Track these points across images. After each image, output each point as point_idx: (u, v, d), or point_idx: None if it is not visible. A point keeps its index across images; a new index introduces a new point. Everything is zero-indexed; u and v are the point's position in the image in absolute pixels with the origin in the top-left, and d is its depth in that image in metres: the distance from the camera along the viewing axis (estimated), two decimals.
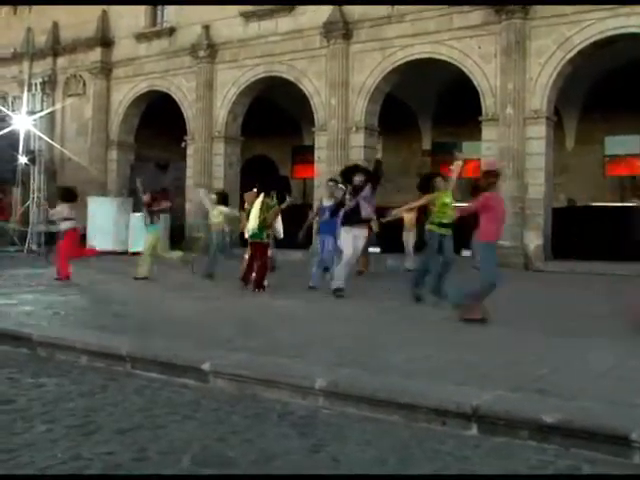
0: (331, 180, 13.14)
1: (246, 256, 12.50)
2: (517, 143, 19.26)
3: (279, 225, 12.94)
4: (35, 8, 28.41)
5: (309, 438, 4.16)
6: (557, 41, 18.86)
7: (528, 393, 4.71)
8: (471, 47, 20.09)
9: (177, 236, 24.96)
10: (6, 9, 29.42)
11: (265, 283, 11.85)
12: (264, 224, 11.77)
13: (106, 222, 24.40)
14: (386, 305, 9.75)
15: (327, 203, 12.40)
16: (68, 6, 26.55)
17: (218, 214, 13.81)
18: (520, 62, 19.22)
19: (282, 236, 13.20)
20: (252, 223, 11.88)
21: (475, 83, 20.10)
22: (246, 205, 13.28)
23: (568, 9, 18.37)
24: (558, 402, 4.48)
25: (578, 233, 19.45)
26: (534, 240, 19.48)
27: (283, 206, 12.40)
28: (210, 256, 13.98)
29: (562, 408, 4.30)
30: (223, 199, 14.34)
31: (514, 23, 19.23)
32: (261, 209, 11.78)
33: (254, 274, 11.88)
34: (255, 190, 12.71)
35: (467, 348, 6.45)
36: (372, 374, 5.20)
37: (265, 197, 11.96)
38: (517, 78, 19.22)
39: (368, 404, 4.69)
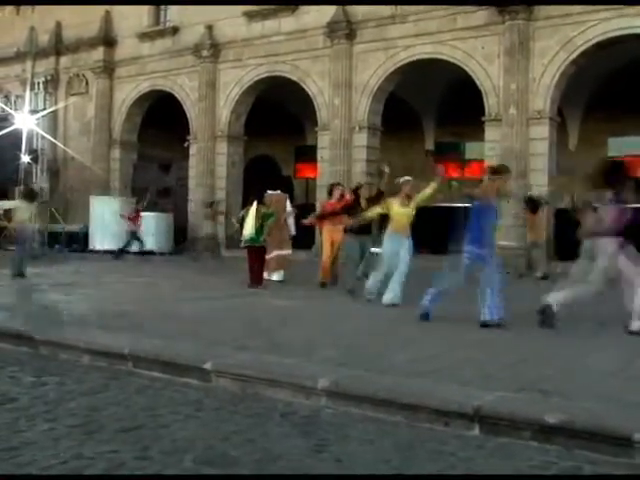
0: (501, 170, 8.40)
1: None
2: (520, 144, 19.23)
3: (291, 223, 14.07)
4: (38, 8, 28.41)
5: (312, 438, 4.13)
6: (560, 42, 18.81)
7: (531, 393, 4.69)
8: (474, 47, 20.04)
9: (180, 236, 24.95)
10: (9, 8, 29.41)
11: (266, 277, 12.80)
12: (261, 230, 12.40)
13: (108, 222, 24.34)
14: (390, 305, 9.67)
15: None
16: (71, 6, 26.54)
17: (23, 210, 13.81)
18: (523, 62, 19.19)
19: (294, 233, 14.11)
20: (249, 230, 12.43)
21: (478, 83, 20.06)
22: (241, 212, 13.77)
23: (573, 9, 18.31)
24: (561, 402, 4.46)
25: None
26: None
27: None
28: (17, 255, 13.66)
29: (565, 409, 4.28)
30: (28, 195, 14.28)
31: (517, 24, 19.19)
32: (256, 216, 12.40)
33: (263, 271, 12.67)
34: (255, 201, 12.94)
35: (471, 348, 6.42)
36: (375, 374, 5.17)
37: (259, 205, 12.61)
38: (520, 78, 19.19)
39: (370, 404, 4.66)
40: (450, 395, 4.57)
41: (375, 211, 10.48)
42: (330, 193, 13.51)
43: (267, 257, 12.96)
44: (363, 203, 11.84)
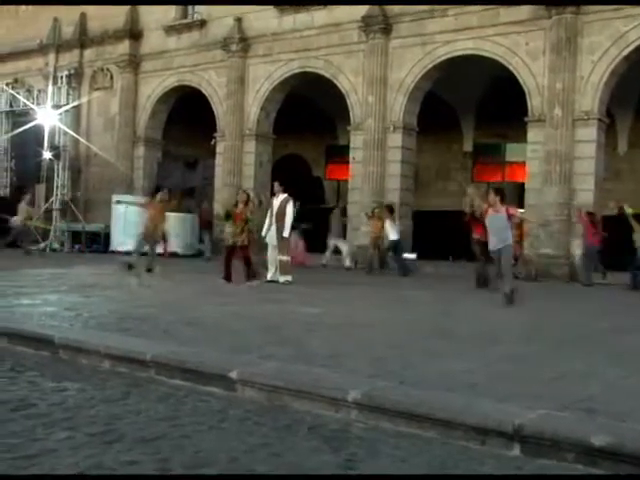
0: None
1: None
2: (565, 146, 18.49)
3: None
4: None
5: (341, 453, 3.98)
6: (612, 37, 18.06)
7: (576, 412, 4.44)
8: (518, 43, 19.38)
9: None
10: None
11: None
12: (241, 232, 13.27)
13: (131, 222, 23.61)
14: (424, 314, 9.33)
15: None
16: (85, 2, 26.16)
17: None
18: (570, 59, 18.49)
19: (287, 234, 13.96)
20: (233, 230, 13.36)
21: (521, 81, 19.50)
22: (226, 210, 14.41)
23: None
24: (609, 423, 4.17)
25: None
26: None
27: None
28: None
29: (613, 430, 4.01)
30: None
31: (565, 18, 18.50)
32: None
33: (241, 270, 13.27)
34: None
35: (510, 362, 6.15)
36: (408, 387, 5.00)
37: (244, 208, 13.38)
38: (567, 77, 18.51)
39: (403, 419, 4.50)
40: (488, 412, 4.37)
41: None
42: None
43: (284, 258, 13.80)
44: None
